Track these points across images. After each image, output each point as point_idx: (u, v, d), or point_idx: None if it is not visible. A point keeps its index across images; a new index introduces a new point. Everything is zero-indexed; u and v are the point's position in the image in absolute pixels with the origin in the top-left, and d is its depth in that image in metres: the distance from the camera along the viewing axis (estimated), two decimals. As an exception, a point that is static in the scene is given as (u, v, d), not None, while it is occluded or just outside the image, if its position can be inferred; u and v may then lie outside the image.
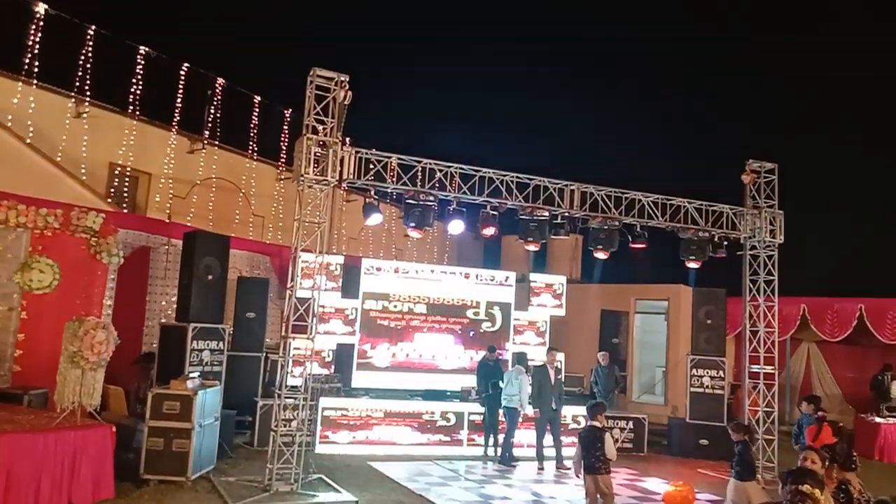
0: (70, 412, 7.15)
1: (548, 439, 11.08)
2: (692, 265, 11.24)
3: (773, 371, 11.09)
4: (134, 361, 10.82)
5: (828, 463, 5.43)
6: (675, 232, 11.11)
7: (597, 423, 7.51)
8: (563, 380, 11.49)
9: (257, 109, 17.41)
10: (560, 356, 12.90)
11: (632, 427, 12.68)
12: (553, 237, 10.96)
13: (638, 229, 10.92)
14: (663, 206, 10.89)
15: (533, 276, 13.96)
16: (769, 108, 31.31)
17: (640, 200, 10.76)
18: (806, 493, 3.81)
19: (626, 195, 10.69)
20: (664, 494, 8.92)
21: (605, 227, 10.70)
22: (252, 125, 17.49)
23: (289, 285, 8.74)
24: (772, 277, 11.25)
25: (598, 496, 7.30)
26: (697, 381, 12.82)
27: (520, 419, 11.08)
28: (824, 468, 5.33)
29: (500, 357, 12.49)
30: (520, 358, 11.68)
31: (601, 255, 10.96)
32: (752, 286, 11.41)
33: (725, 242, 11.33)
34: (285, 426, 8.40)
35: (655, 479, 10.58)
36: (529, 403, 10.96)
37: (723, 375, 12.75)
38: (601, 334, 15.02)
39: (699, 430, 12.42)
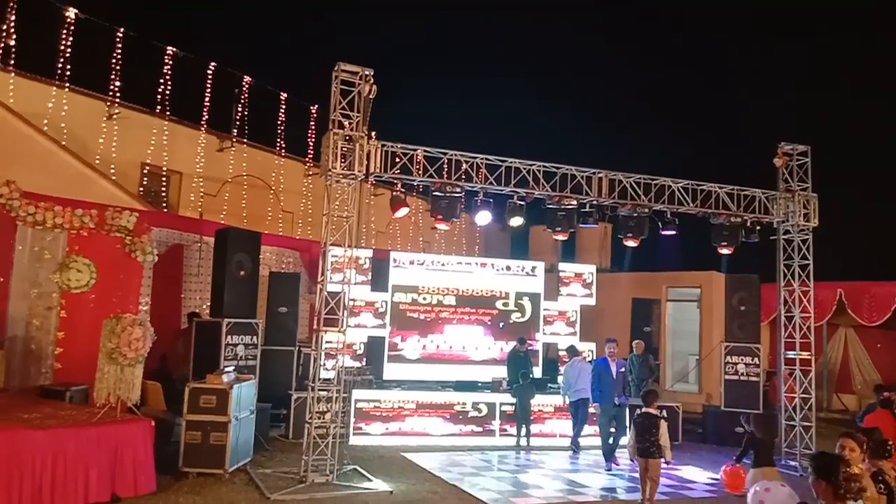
0: (110, 407, 7.32)
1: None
2: (724, 251, 11.07)
3: (809, 357, 10.92)
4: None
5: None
6: (706, 218, 10.95)
7: (651, 410, 8.02)
8: (624, 373, 10.97)
9: (284, 106, 17.58)
10: (591, 346, 12.90)
11: (665, 416, 12.51)
12: (581, 226, 10.89)
13: (668, 216, 10.80)
14: (693, 191, 10.73)
15: (562, 266, 13.88)
16: (801, 90, 30.66)
17: (669, 186, 10.62)
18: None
19: (655, 181, 10.55)
20: (724, 472, 9.13)
21: (635, 215, 10.59)
22: (279, 122, 17.69)
23: (319, 279, 8.82)
24: (806, 262, 11.04)
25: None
26: (732, 368, 12.65)
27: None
28: (863, 453, 5.24)
29: (531, 348, 12.47)
30: (571, 350, 11.67)
31: (631, 243, 10.86)
32: (786, 271, 11.21)
33: (758, 227, 11.13)
34: (319, 418, 8.50)
35: (691, 467, 10.50)
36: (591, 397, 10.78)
37: (757, 362, 12.56)
38: (633, 323, 14.91)
39: (734, 417, 12.24)
